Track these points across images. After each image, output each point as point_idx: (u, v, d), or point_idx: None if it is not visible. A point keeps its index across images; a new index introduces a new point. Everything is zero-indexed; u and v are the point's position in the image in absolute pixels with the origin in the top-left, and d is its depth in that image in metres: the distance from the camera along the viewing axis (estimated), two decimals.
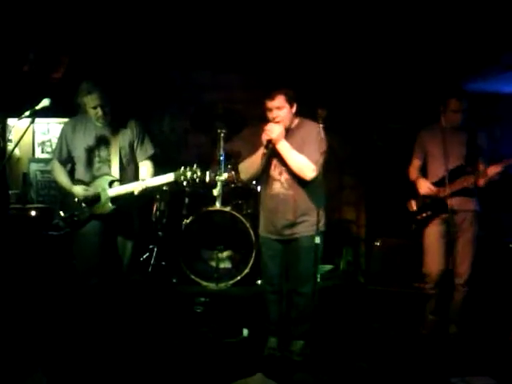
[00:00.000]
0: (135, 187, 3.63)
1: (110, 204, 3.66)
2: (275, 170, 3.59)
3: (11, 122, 4.94)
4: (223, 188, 4.75)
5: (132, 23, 4.71)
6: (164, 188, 4.82)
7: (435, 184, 3.95)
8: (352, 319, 4.34)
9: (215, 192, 4.68)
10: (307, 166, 3.43)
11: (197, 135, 5.48)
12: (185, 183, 3.60)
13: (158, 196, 4.96)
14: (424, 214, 4.00)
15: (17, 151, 5.50)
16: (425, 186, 3.98)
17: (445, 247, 3.93)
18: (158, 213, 4.94)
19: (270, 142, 3.45)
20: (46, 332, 3.77)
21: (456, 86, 4.15)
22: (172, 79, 5.72)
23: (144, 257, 4.98)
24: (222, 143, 4.78)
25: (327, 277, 5.08)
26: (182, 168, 3.60)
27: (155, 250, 4.85)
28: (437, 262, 3.95)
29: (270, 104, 3.49)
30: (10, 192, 4.74)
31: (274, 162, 3.59)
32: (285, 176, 3.56)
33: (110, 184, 3.68)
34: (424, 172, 4.10)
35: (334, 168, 5.55)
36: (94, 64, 4.96)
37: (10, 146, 4.70)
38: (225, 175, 4.72)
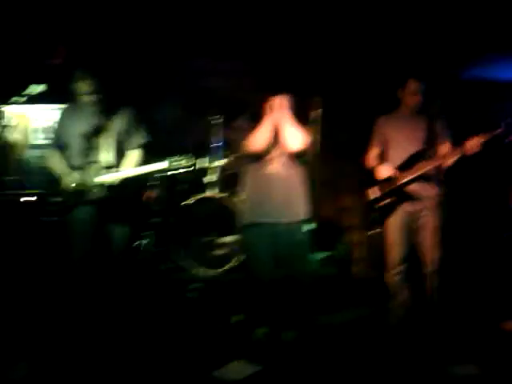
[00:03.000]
0: (127, 174, 3.65)
1: (101, 190, 3.68)
2: (273, 151, 3.58)
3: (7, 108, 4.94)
4: (221, 174, 4.73)
5: (129, 9, 4.67)
6: (163, 174, 4.81)
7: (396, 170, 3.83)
8: (344, 307, 4.35)
9: (210, 179, 4.68)
10: (301, 136, 3.48)
11: (195, 122, 5.43)
12: (179, 170, 3.60)
13: (156, 183, 4.94)
14: (383, 203, 3.87)
15: (15, 137, 5.48)
16: (385, 170, 3.85)
17: (406, 236, 3.81)
18: (155, 199, 4.94)
19: (272, 106, 3.46)
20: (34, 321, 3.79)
21: (415, 67, 4.09)
22: (170, 66, 5.68)
23: (142, 243, 4.98)
24: (218, 130, 4.76)
25: (323, 264, 5.09)
26: (177, 156, 3.60)
27: (153, 236, 4.86)
28: (397, 251, 3.83)
29: (274, 101, 3.49)
30: (7, 178, 4.76)
31: (273, 142, 3.57)
32: (282, 157, 3.56)
33: (103, 171, 3.68)
34: (382, 161, 3.96)
35: (335, 155, 5.57)
36: (90, 51, 4.93)
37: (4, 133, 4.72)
38: (221, 161, 4.71)
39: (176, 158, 3.60)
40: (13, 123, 5.10)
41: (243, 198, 3.70)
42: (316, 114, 3.34)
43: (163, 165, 3.62)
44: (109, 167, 3.71)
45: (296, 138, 3.50)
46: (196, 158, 4.80)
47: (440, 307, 3.77)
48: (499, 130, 3.49)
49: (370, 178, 3.98)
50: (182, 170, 3.59)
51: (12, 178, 5.14)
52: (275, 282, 3.66)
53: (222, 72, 5.41)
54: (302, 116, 3.61)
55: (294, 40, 4.95)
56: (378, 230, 4.85)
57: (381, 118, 3.98)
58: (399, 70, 5.14)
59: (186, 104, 5.28)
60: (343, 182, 5.77)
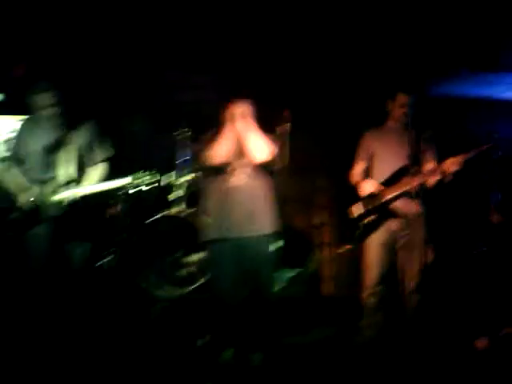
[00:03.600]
0: (88, 190, 3.52)
1: (61, 206, 3.55)
2: (235, 163, 3.45)
3: None
4: (187, 191, 4.62)
5: (100, 20, 4.55)
6: (127, 191, 4.67)
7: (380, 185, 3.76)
8: (312, 326, 4.24)
9: (176, 195, 4.56)
10: (266, 146, 3.37)
11: (163, 136, 5.30)
12: (143, 187, 3.48)
13: (119, 199, 4.79)
14: (367, 220, 3.75)
15: None
16: (369, 186, 3.75)
17: (386, 255, 3.72)
18: (119, 216, 4.78)
19: (234, 114, 3.36)
20: None
21: (404, 81, 3.96)
22: (139, 79, 5.55)
23: (105, 261, 4.82)
24: (185, 144, 4.66)
25: (291, 282, 4.98)
26: (141, 171, 3.49)
27: (116, 254, 4.69)
28: (375, 271, 3.73)
29: (236, 108, 3.40)
30: None
31: (235, 153, 3.46)
32: (245, 168, 3.44)
33: (63, 186, 3.57)
34: (367, 177, 3.86)
35: (307, 170, 5.48)
36: (54, 63, 4.78)
37: None
38: (187, 177, 4.60)
39: (140, 173, 3.49)
40: None
41: (205, 214, 3.54)
42: (284, 127, 3.23)
43: (126, 181, 3.50)
44: (69, 183, 3.60)
45: (261, 148, 3.39)
46: (163, 174, 4.71)
47: (415, 326, 3.69)
48: (487, 146, 3.47)
49: (350, 194, 3.88)
50: (145, 187, 3.45)
51: None
52: (240, 302, 3.53)
53: (192, 85, 5.30)
54: (269, 128, 3.49)
55: (265, 52, 4.87)
56: (348, 247, 4.86)
57: (366, 133, 3.89)
58: (372, 84, 5.19)
59: (154, 118, 5.16)
60: (315, 197, 5.68)
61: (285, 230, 4.97)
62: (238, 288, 3.50)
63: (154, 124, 5.14)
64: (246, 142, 3.40)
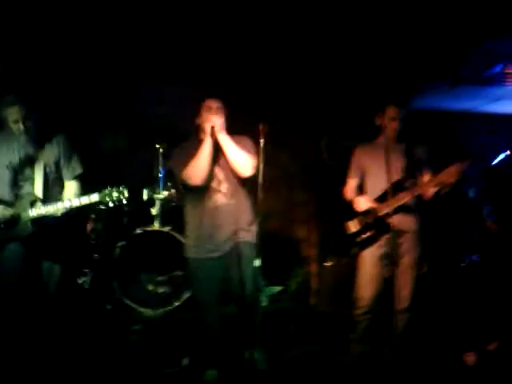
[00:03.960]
0: (57, 208, 3.36)
1: (30, 226, 3.38)
2: (214, 181, 3.41)
3: None
4: (163, 207, 4.50)
5: (72, 33, 4.43)
6: (100, 207, 4.54)
7: (374, 201, 3.70)
8: (296, 342, 4.15)
9: (154, 211, 4.43)
10: (248, 160, 3.35)
11: (140, 151, 5.20)
12: (110, 204, 3.33)
13: (93, 216, 4.66)
14: (364, 236, 3.69)
15: None
16: (363, 202, 3.70)
17: (381, 271, 3.65)
18: (93, 234, 4.64)
19: (212, 128, 3.33)
20: None
21: (394, 94, 3.94)
22: (116, 93, 5.44)
23: (80, 281, 4.66)
24: (161, 159, 4.53)
25: (276, 299, 4.87)
26: (108, 188, 3.34)
27: (90, 274, 4.54)
28: (370, 287, 3.67)
29: (211, 103, 3.42)
30: None
31: (214, 171, 3.41)
32: (225, 185, 3.41)
33: (32, 204, 3.40)
34: (361, 192, 3.84)
35: (284, 184, 5.44)
36: (25, 76, 4.65)
37: None
38: (164, 193, 4.47)
39: (107, 190, 3.33)
40: None
41: (188, 233, 3.50)
42: (260, 141, 3.14)
43: (93, 198, 3.34)
44: (40, 200, 3.42)
45: (244, 162, 3.35)
46: (142, 188, 4.59)
47: (404, 342, 3.63)
48: (484, 155, 3.42)
49: (332, 208, 3.95)
50: (111, 204, 3.30)
51: None
52: (223, 320, 3.48)
53: (165, 99, 5.20)
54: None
55: (244, 63, 4.79)
56: (332, 262, 4.77)
57: (357, 148, 3.85)
58: (354, 97, 5.14)
59: (130, 132, 5.04)
60: (294, 212, 5.59)
61: (266, 246, 4.92)
62: (220, 306, 3.46)
63: (130, 138, 5.02)
64: (229, 156, 3.35)
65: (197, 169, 3.35)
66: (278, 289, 5.02)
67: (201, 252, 3.42)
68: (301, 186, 5.59)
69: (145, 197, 4.17)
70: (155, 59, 4.74)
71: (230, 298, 3.47)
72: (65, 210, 3.36)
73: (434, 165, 3.66)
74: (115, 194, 3.32)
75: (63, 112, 4.65)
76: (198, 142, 3.40)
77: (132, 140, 4.97)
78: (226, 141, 3.36)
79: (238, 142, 3.39)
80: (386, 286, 3.61)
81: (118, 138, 5.26)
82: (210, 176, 3.39)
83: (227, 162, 3.41)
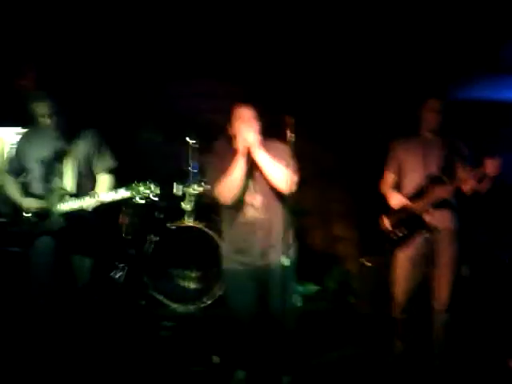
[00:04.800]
0: (86, 203, 3.35)
1: (61, 219, 3.40)
2: (248, 194, 3.26)
3: None
4: (196, 202, 4.45)
5: (105, 29, 4.47)
6: (133, 201, 4.52)
7: (411, 197, 3.59)
8: (337, 344, 4.02)
9: (186, 206, 4.39)
10: (288, 177, 3.10)
11: (172, 146, 5.16)
12: (138, 199, 3.28)
13: (128, 210, 4.64)
14: (399, 233, 3.61)
15: None
16: (397, 199, 3.64)
17: (417, 270, 3.58)
18: (127, 228, 4.64)
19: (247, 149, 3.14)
20: None
21: (435, 87, 3.84)
22: (149, 87, 5.43)
23: (116, 276, 4.68)
24: (192, 154, 4.48)
25: (313, 299, 4.75)
26: (135, 182, 3.29)
27: (125, 268, 4.54)
28: (406, 286, 3.60)
29: (243, 112, 3.23)
30: None
31: (247, 184, 3.26)
32: (259, 199, 3.25)
33: (62, 198, 3.41)
34: (398, 187, 3.75)
35: (319, 180, 5.26)
36: (62, 73, 4.70)
37: None
38: (196, 188, 4.42)
39: (134, 184, 3.28)
40: None
41: (223, 243, 3.45)
42: (288, 137, 3.02)
43: (121, 193, 3.30)
44: (70, 194, 3.43)
45: (284, 179, 3.13)
46: (174, 183, 4.56)
47: (447, 345, 3.55)
48: None
49: (371, 204, 3.83)
50: (139, 199, 3.25)
51: None
52: (256, 323, 3.37)
53: (200, 94, 5.15)
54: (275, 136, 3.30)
55: (277, 58, 4.70)
56: (370, 260, 4.61)
57: (394, 142, 3.77)
58: (389, 89, 4.95)
59: (162, 126, 5.01)
60: (332, 209, 5.45)
61: (303, 244, 4.81)
62: (254, 311, 3.35)
63: (163, 132, 4.99)
64: (268, 175, 3.17)
65: (227, 189, 3.20)
66: (314, 288, 4.89)
67: (233, 264, 3.33)
68: (339, 181, 5.42)
69: (176, 192, 4.12)
70: (188, 53, 4.72)
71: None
72: (94, 205, 3.34)
73: (475, 158, 3.48)
74: (142, 189, 3.27)
75: (94, 106, 4.67)
76: (233, 153, 3.22)
77: (164, 134, 4.92)
78: (264, 159, 3.17)
79: (274, 153, 3.20)
80: (425, 286, 3.57)
81: (151, 132, 5.23)
82: (243, 189, 3.25)
83: (263, 176, 3.24)
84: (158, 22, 4.20)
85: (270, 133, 3.30)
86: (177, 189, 4.38)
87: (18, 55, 4.60)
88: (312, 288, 4.88)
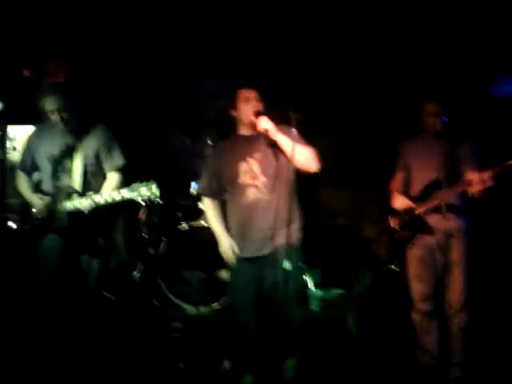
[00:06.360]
0: (83, 204, 3.29)
1: (66, 218, 3.35)
2: (245, 176, 3.19)
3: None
4: None
5: (132, 28, 4.47)
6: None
7: (415, 199, 3.55)
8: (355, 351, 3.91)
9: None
10: (312, 154, 3.12)
11: (190, 144, 5.08)
12: (139, 200, 3.19)
13: (145, 208, 4.60)
14: (403, 234, 3.61)
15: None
16: (399, 201, 3.64)
17: (428, 270, 3.54)
18: (146, 226, 4.60)
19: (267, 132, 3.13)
20: None
21: (434, 88, 3.81)
22: (178, 85, 5.38)
23: (137, 275, 4.65)
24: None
25: (333, 304, 4.59)
26: (137, 183, 3.19)
27: (141, 268, 4.51)
28: (420, 287, 3.56)
29: (249, 93, 3.25)
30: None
31: (243, 166, 3.21)
32: (261, 179, 3.17)
33: (69, 196, 3.37)
34: (408, 187, 3.72)
35: (349, 180, 5.12)
36: (90, 70, 4.73)
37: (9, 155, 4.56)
38: None
39: (135, 185, 3.19)
40: (16, 144, 4.91)
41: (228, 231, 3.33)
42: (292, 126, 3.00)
43: (123, 193, 3.22)
44: (77, 193, 3.39)
45: (308, 156, 3.11)
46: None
47: (467, 350, 3.46)
48: None
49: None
50: (140, 200, 3.16)
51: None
52: (262, 325, 3.29)
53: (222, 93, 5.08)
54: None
55: (298, 56, 4.60)
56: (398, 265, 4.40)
57: (402, 143, 3.79)
58: (417, 89, 4.72)
59: (181, 125, 4.96)
60: (363, 210, 5.27)
61: (332, 246, 4.65)
62: (258, 311, 3.27)
63: (182, 132, 4.94)
64: (294, 156, 3.04)
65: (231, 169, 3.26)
66: (338, 292, 4.71)
67: (238, 251, 3.25)
68: (371, 182, 5.23)
69: (192, 191, 4.05)
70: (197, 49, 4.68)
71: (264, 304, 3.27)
72: (89, 207, 3.28)
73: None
74: (143, 190, 3.17)
75: (107, 103, 4.67)
76: (233, 140, 3.28)
77: (184, 133, 4.86)
78: (285, 142, 3.10)
79: (289, 136, 3.09)
80: (440, 286, 3.54)
81: (176, 132, 5.18)
82: (237, 174, 3.21)
83: (265, 156, 3.19)
84: (175, 19, 4.16)
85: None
86: (193, 188, 4.31)
87: (33, 51, 4.66)
88: (334, 292, 4.70)
